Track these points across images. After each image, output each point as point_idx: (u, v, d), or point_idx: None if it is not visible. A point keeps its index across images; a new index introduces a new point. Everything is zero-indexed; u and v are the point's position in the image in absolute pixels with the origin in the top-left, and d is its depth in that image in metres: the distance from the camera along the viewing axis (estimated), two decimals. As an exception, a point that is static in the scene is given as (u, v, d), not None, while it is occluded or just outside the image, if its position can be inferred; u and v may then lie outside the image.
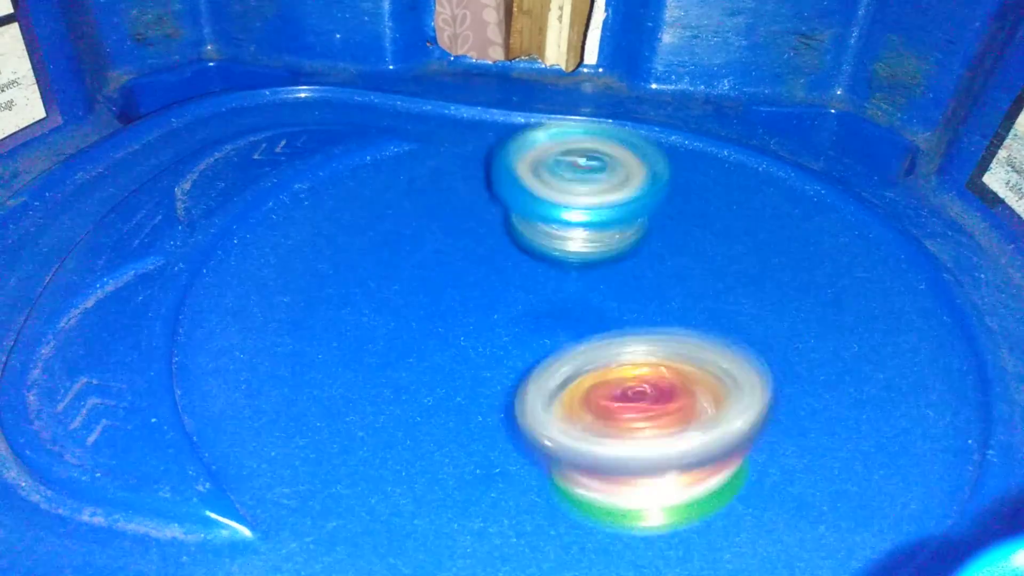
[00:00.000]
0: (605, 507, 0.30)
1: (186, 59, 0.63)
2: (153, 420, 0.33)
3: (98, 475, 0.31)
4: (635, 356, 0.32)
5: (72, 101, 0.53)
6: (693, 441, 0.27)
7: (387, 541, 0.31)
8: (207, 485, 0.31)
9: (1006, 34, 0.49)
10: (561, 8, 0.59)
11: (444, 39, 0.68)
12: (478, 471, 0.35)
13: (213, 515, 0.30)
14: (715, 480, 0.29)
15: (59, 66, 0.52)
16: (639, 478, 0.29)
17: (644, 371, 0.31)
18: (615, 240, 0.42)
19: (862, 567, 0.31)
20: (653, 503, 0.29)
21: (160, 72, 0.62)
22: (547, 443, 0.29)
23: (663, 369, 0.31)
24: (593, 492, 0.30)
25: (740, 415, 0.28)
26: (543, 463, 0.33)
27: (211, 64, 0.64)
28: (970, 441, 0.36)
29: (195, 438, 0.34)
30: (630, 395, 0.30)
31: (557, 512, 0.33)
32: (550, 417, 0.29)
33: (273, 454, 0.34)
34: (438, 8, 0.61)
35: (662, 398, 0.30)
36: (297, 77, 0.63)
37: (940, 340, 0.41)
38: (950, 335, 0.41)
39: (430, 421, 0.37)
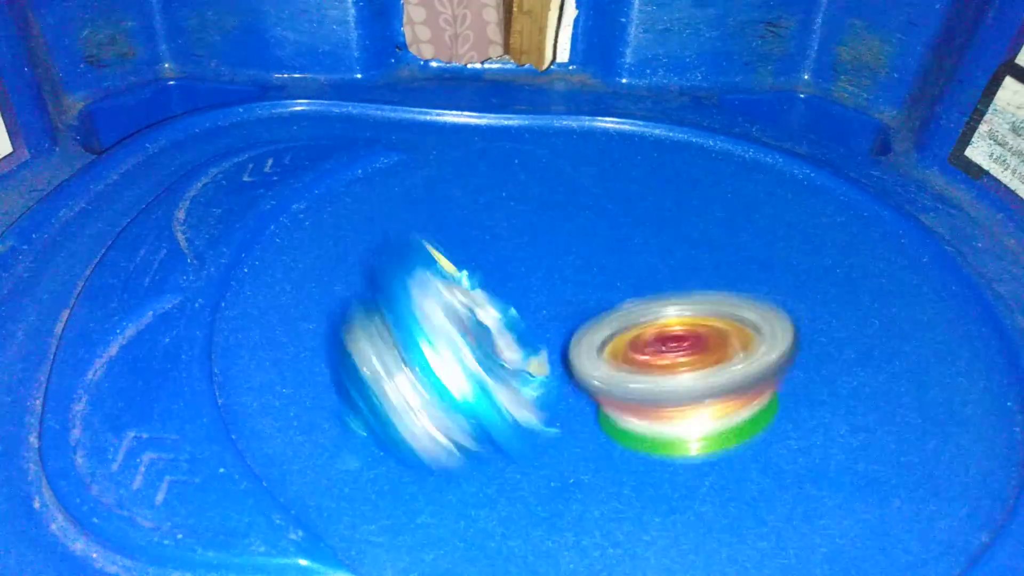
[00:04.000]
0: (648, 438, 0.33)
1: (143, 79, 0.59)
2: (221, 470, 0.32)
3: (180, 537, 0.29)
4: (673, 313, 0.35)
5: (37, 133, 0.49)
6: (727, 372, 0.31)
7: (490, 567, 0.31)
8: (299, 533, 0.29)
9: (973, 14, 0.52)
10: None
11: (444, 39, 0.67)
12: (553, 484, 0.35)
13: (313, 564, 0.29)
14: (747, 412, 0.33)
15: (21, 97, 0.48)
16: (678, 409, 0.32)
17: (681, 327, 0.35)
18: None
19: (947, 535, 0.32)
20: (691, 433, 0.33)
21: (118, 95, 0.58)
22: (596, 382, 0.32)
23: (698, 325, 0.35)
24: (637, 425, 0.33)
25: (769, 352, 0.32)
26: (594, 402, 0.35)
27: (171, 83, 0.61)
28: (1009, 403, 0.38)
29: (265, 483, 0.32)
30: (669, 344, 0.34)
31: (645, 517, 0.33)
32: (599, 361, 0.33)
33: (347, 491, 0.33)
34: (438, 8, 0.59)
35: (698, 344, 0.34)
36: (264, 91, 0.61)
37: (956, 309, 0.44)
38: (964, 304, 0.44)
39: (490, 439, 0.37)
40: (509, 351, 0.35)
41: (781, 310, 0.34)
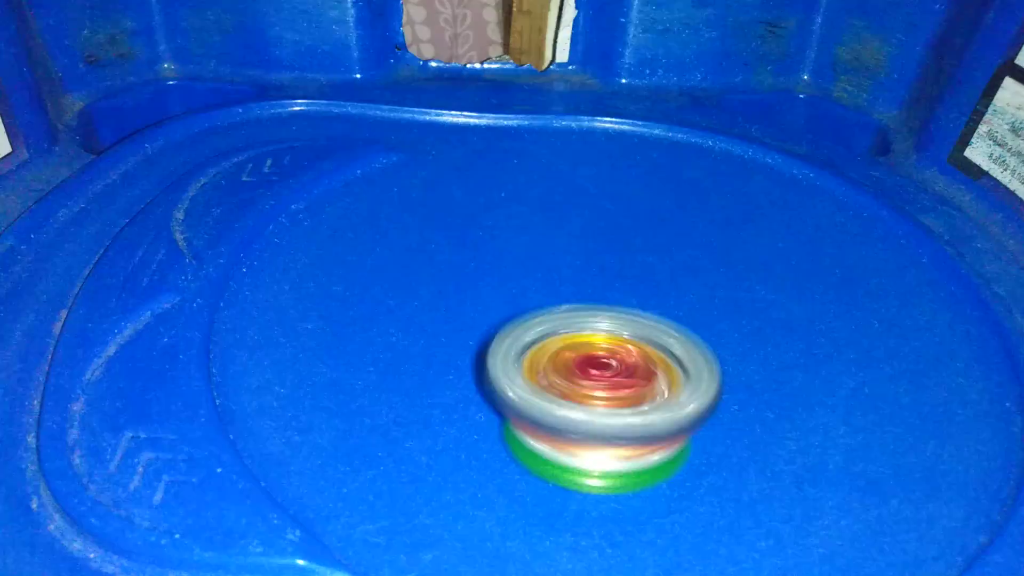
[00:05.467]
0: (549, 464, 0.33)
1: (142, 80, 0.59)
2: (219, 470, 0.31)
3: (177, 536, 0.29)
4: (605, 328, 0.35)
5: (36, 133, 0.49)
6: (642, 422, 0.30)
7: (488, 567, 0.31)
8: (297, 533, 0.29)
9: (973, 14, 0.52)
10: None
11: (445, 39, 0.67)
12: (551, 484, 0.35)
13: (311, 564, 0.29)
14: (655, 457, 0.32)
15: (20, 97, 0.48)
16: (585, 444, 0.31)
17: (612, 344, 0.34)
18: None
19: (945, 536, 0.32)
20: (593, 469, 0.32)
21: (117, 95, 0.58)
22: (510, 395, 0.31)
23: (630, 346, 0.34)
24: (540, 448, 0.33)
25: (689, 402, 0.31)
26: (501, 413, 0.34)
27: (170, 83, 0.61)
28: (1008, 403, 0.38)
29: (263, 483, 0.32)
30: (596, 364, 0.33)
31: (643, 518, 0.33)
32: (518, 370, 0.32)
33: (344, 491, 0.33)
34: (438, 7, 0.59)
35: (624, 373, 0.33)
36: (263, 91, 0.61)
37: (955, 310, 0.44)
38: (963, 305, 0.44)
39: (488, 438, 0.37)
40: None
41: (712, 355, 0.33)
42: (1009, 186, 0.49)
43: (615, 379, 0.32)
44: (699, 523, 0.33)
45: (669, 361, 0.33)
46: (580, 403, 0.31)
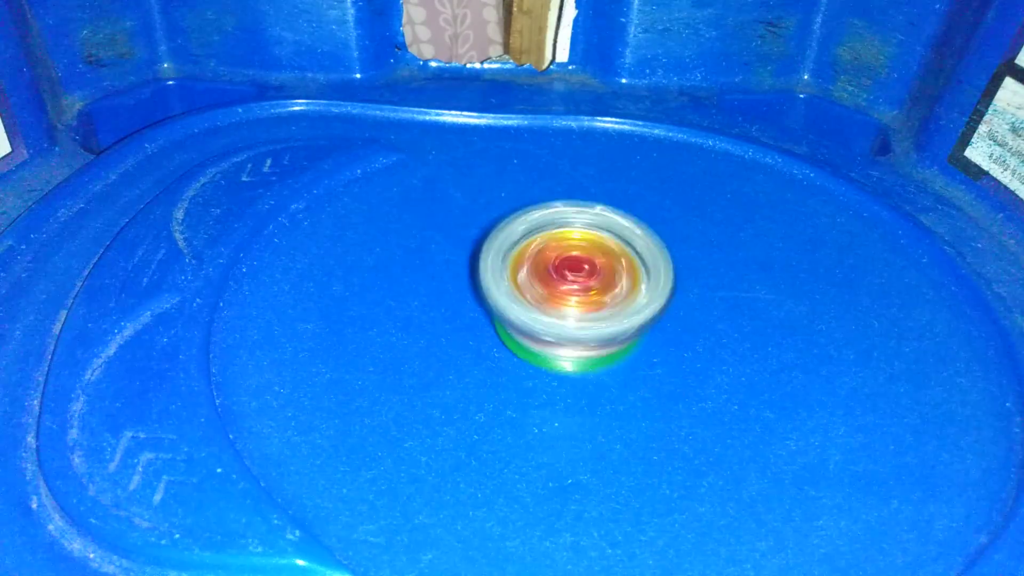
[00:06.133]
0: (531, 352, 0.39)
1: (142, 79, 0.59)
2: (219, 470, 0.31)
3: (177, 536, 0.29)
4: (582, 223, 0.41)
5: (36, 133, 0.49)
6: (607, 326, 0.36)
7: (488, 568, 0.31)
8: (297, 533, 0.29)
9: (973, 14, 0.52)
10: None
11: (444, 39, 0.67)
12: (551, 484, 0.35)
13: (310, 564, 0.29)
14: (617, 346, 0.39)
15: (20, 96, 0.48)
16: (558, 346, 0.38)
17: (585, 242, 0.40)
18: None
19: (945, 536, 0.32)
20: (565, 355, 0.39)
21: (116, 95, 0.58)
22: (495, 302, 0.37)
23: (598, 249, 0.40)
24: (520, 339, 0.39)
25: (647, 307, 0.37)
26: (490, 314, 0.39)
27: (170, 83, 0.61)
28: (1008, 404, 0.38)
29: (263, 483, 0.32)
30: (570, 266, 0.39)
31: (643, 518, 0.33)
32: (504, 272, 0.38)
33: (344, 491, 0.33)
34: (438, 7, 0.59)
35: (592, 274, 0.38)
36: (262, 91, 0.61)
37: (954, 310, 0.44)
38: (963, 305, 0.44)
39: (488, 438, 0.37)
40: None
41: (666, 252, 0.39)
42: (1009, 186, 0.49)
43: (586, 280, 0.38)
44: (699, 523, 0.33)
45: (632, 256, 0.39)
46: (556, 307, 0.37)
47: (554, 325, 0.36)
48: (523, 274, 0.38)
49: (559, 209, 0.41)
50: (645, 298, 0.37)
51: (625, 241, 0.40)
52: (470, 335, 0.42)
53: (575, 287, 0.38)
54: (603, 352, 0.39)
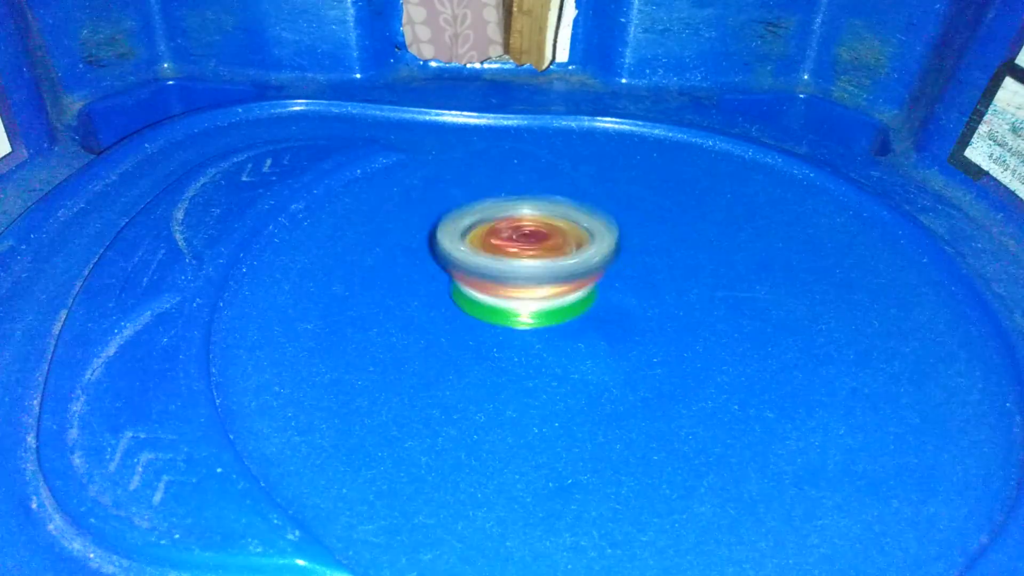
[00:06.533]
0: (487, 307, 0.42)
1: (142, 79, 0.59)
2: (219, 470, 0.31)
3: (177, 536, 0.29)
4: (527, 212, 0.44)
5: (36, 133, 0.49)
6: (559, 263, 0.39)
7: (487, 567, 0.31)
8: (297, 533, 0.29)
9: (973, 14, 0.52)
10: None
11: (444, 39, 0.67)
12: (551, 484, 0.35)
13: (310, 564, 0.29)
14: (570, 297, 0.42)
15: (20, 97, 0.48)
16: (516, 288, 0.41)
17: (536, 222, 0.43)
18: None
19: (945, 536, 0.32)
20: (523, 308, 0.41)
21: (116, 95, 0.58)
22: (456, 255, 0.40)
23: (546, 224, 0.43)
24: (481, 297, 0.41)
25: (596, 253, 0.40)
26: (451, 275, 0.42)
27: (170, 83, 0.61)
28: (1008, 404, 0.38)
29: (263, 483, 0.32)
30: (522, 235, 0.42)
31: (643, 518, 0.33)
32: (460, 242, 0.41)
33: (344, 491, 0.33)
34: (438, 7, 0.59)
35: (543, 239, 0.42)
36: (262, 91, 0.61)
37: (954, 310, 0.44)
38: (962, 305, 0.44)
39: (488, 438, 0.37)
40: None
41: (612, 221, 0.42)
42: (1009, 186, 0.49)
43: (539, 243, 0.41)
44: (699, 523, 0.33)
45: (579, 229, 0.42)
46: (512, 258, 0.40)
47: (512, 264, 0.39)
48: (479, 242, 0.41)
49: (510, 202, 0.44)
50: (593, 249, 0.40)
51: (574, 221, 0.43)
52: (470, 336, 0.42)
53: (529, 246, 0.41)
54: (559, 300, 0.41)
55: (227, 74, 0.62)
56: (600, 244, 0.40)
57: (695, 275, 0.47)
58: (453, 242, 0.41)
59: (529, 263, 0.39)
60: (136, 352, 0.37)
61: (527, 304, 0.41)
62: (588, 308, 0.43)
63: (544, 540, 0.32)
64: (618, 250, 0.41)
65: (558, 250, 0.41)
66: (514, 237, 0.42)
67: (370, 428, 0.36)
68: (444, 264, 0.41)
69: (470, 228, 0.42)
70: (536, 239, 0.42)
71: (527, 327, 0.42)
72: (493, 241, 0.42)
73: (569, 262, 0.39)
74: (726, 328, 0.43)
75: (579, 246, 0.41)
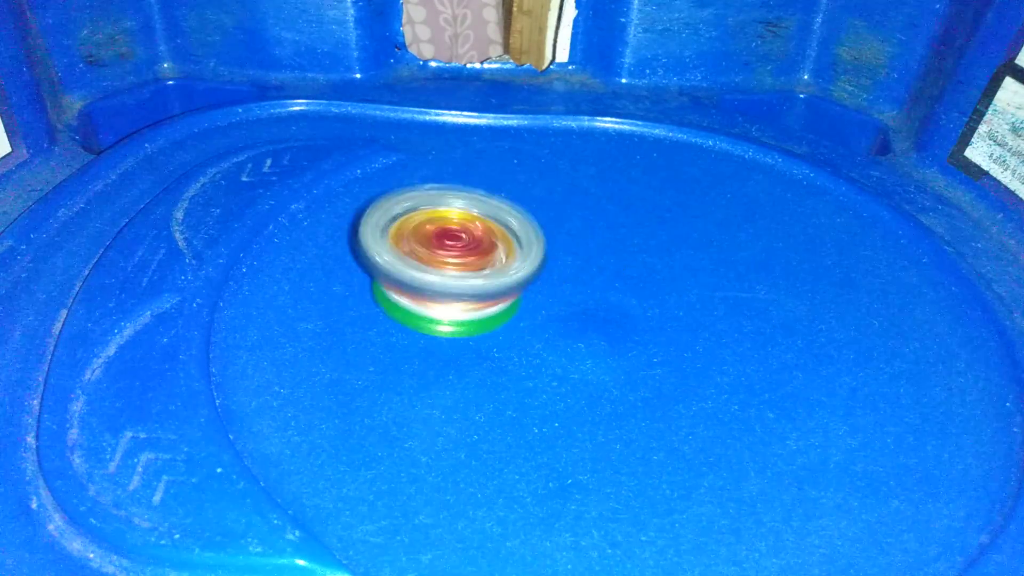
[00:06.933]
0: (408, 314, 0.40)
1: (142, 79, 0.59)
2: (219, 470, 0.31)
3: (177, 537, 0.29)
4: (458, 206, 0.42)
5: (36, 133, 0.49)
6: (481, 282, 0.38)
7: (487, 568, 0.31)
8: (297, 533, 0.29)
9: (973, 14, 0.52)
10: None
11: (444, 39, 0.67)
12: (551, 484, 0.35)
13: (310, 564, 0.29)
14: (491, 310, 0.40)
15: (20, 96, 0.48)
16: (436, 300, 0.39)
17: (464, 220, 0.41)
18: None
19: (945, 536, 0.32)
20: (443, 317, 0.40)
21: (116, 95, 0.58)
22: (378, 260, 0.38)
23: (478, 222, 0.41)
24: (401, 301, 0.40)
25: (520, 269, 0.39)
26: (371, 275, 0.41)
27: (170, 83, 0.61)
28: (1008, 404, 0.38)
29: (263, 483, 0.32)
30: (450, 237, 0.40)
31: (643, 518, 0.33)
32: (384, 240, 0.39)
33: (345, 491, 0.33)
34: (438, 7, 0.59)
35: (472, 245, 0.40)
36: (262, 91, 0.61)
37: (954, 310, 0.44)
38: (962, 305, 0.44)
39: (488, 438, 0.37)
40: None
41: (540, 230, 0.41)
42: (1009, 186, 0.49)
43: (464, 249, 0.40)
44: (699, 523, 0.33)
45: (508, 234, 0.41)
46: (436, 268, 0.38)
47: (436, 279, 0.37)
48: (403, 242, 0.39)
49: (442, 193, 0.43)
50: (515, 266, 0.39)
51: (504, 224, 0.42)
52: (470, 336, 0.42)
53: (454, 253, 0.40)
54: (479, 312, 0.40)
55: (227, 74, 0.62)
56: (523, 261, 0.39)
57: (695, 276, 0.47)
58: (376, 241, 0.38)
59: (446, 281, 0.37)
60: (136, 352, 0.37)
61: (447, 311, 0.40)
62: (513, 316, 0.42)
63: (544, 540, 0.32)
64: (542, 267, 0.39)
65: (483, 256, 0.39)
66: (439, 237, 0.40)
67: (370, 428, 0.36)
68: (362, 267, 0.40)
69: (396, 219, 0.40)
70: (462, 244, 0.40)
71: (448, 336, 0.41)
72: (414, 243, 0.39)
73: (488, 282, 0.38)
74: (726, 328, 0.43)
75: (506, 254, 0.40)
